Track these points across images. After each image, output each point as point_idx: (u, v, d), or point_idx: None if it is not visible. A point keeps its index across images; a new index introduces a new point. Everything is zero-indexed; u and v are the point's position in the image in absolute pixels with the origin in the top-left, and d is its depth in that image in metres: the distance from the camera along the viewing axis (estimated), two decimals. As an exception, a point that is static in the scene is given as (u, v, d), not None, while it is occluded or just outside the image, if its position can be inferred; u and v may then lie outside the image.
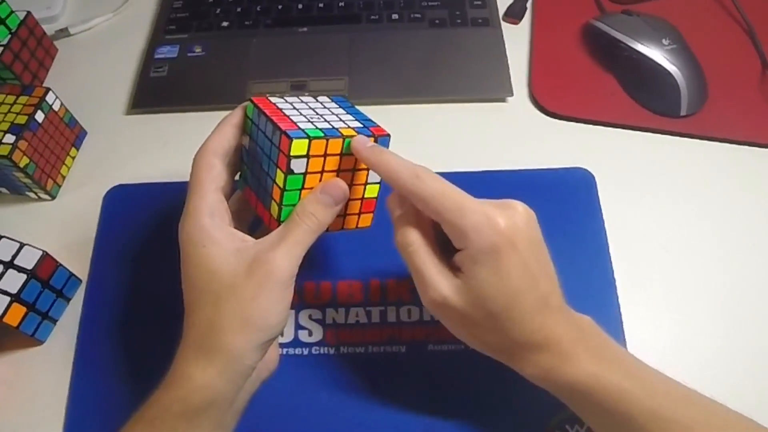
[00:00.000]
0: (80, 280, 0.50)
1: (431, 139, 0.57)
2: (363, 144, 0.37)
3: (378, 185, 0.41)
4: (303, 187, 0.38)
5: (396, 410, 0.44)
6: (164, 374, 0.36)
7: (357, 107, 0.42)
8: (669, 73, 0.55)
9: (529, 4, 0.66)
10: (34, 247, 0.46)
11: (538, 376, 0.37)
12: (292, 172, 0.36)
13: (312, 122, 0.38)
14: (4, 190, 0.56)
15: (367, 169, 0.40)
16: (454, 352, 0.45)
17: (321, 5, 0.66)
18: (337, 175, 0.39)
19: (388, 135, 0.39)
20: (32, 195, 0.55)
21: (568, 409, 0.38)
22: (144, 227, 0.52)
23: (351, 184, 0.39)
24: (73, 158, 0.58)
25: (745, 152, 0.54)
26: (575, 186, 0.53)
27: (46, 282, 0.47)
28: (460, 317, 0.37)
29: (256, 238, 0.38)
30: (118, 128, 0.60)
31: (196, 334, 0.36)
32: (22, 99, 0.53)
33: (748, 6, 0.62)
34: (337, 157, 0.38)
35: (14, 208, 0.55)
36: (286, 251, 0.36)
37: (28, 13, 0.62)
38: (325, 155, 0.37)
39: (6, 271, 0.45)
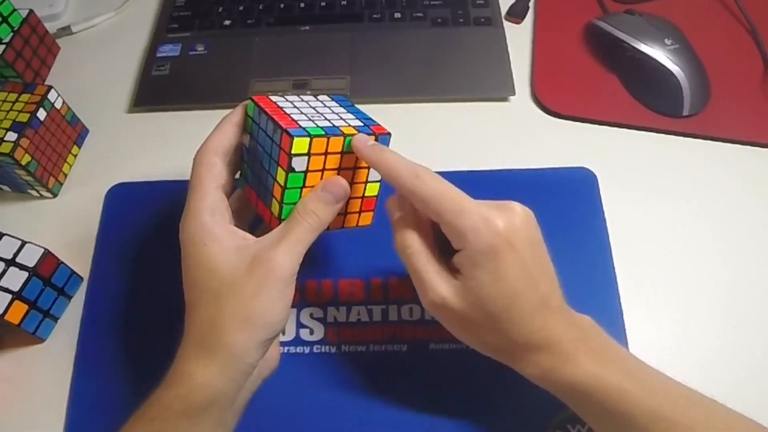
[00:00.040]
0: (81, 278, 0.50)
1: (433, 139, 0.57)
2: (363, 142, 0.37)
3: (378, 184, 0.41)
4: (304, 186, 0.38)
5: (397, 409, 0.44)
6: (165, 372, 0.36)
7: (357, 106, 0.42)
8: (671, 73, 0.55)
9: (531, 4, 0.66)
10: (36, 244, 0.46)
11: (539, 377, 0.37)
12: (293, 170, 0.36)
13: (313, 120, 0.38)
14: (5, 187, 0.56)
15: (368, 168, 0.40)
16: (456, 351, 0.45)
17: (323, 4, 0.66)
18: (338, 174, 0.39)
19: (389, 134, 0.39)
20: (34, 193, 0.55)
21: (569, 409, 0.38)
22: (145, 225, 0.52)
23: (352, 183, 0.39)
24: (75, 156, 0.58)
25: (748, 152, 0.54)
26: (577, 186, 0.53)
27: (48, 280, 0.47)
28: (459, 319, 0.37)
29: (257, 236, 0.38)
30: (119, 126, 0.60)
31: (197, 332, 0.36)
32: (24, 97, 0.53)
33: (751, 6, 0.62)
34: (338, 156, 0.38)
35: (16, 206, 0.55)
36: (287, 249, 0.36)
37: (31, 11, 0.62)
38: (326, 153, 0.37)
39: (8, 268, 0.45)
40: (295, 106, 0.40)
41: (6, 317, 0.44)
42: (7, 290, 0.44)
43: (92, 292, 0.50)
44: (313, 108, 0.40)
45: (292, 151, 0.36)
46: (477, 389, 0.44)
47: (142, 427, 0.35)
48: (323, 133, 0.37)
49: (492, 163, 0.54)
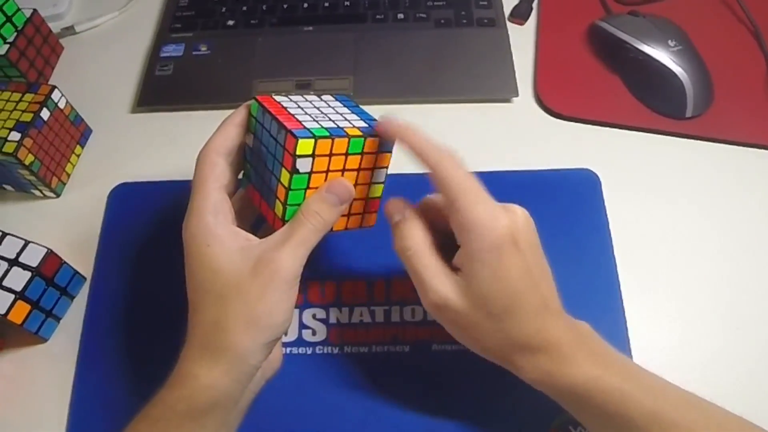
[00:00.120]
0: (84, 278, 0.50)
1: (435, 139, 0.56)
2: (392, 121, 0.38)
3: (382, 185, 0.41)
4: (308, 187, 0.38)
5: (399, 410, 0.44)
6: (168, 373, 0.36)
7: (361, 107, 0.42)
8: (675, 75, 0.55)
9: (534, 5, 0.66)
10: (39, 244, 0.46)
11: (538, 380, 0.37)
12: (297, 171, 0.36)
13: (317, 121, 0.38)
14: (9, 187, 0.56)
15: (372, 169, 0.40)
16: (458, 352, 0.45)
17: (326, 4, 0.66)
18: (342, 175, 0.39)
19: (393, 135, 0.39)
20: (37, 192, 0.55)
21: (571, 411, 0.38)
22: (148, 225, 0.52)
23: (356, 184, 0.39)
24: (78, 156, 0.58)
25: (751, 154, 0.54)
26: (580, 187, 0.53)
27: (51, 280, 0.47)
28: (460, 319, 0.37)
29: (259, 236, 0.38)
30: (123, 126, 0.60)
31: (201, 333, 0.36)
32: (28, 96, 0.53)
33: (755, 8, 0.61)
34: (342, 157, 0.38)
35: (19, 206, 0.56)
36: (291, 251, 0.36)
37: (35, 10, 0.62)
38: (330, 155, 0.37)
39: (11, 268, 0.45)
40: (298, 106, 0.40)
41: (9, 317, 0.44)
42: (9, 290, 0.44)
43: (95, 292, 0.50)
44: (317, 108, 0.40)
45: (297, 153, 0.36)
46: (479, 390, 0.44)
47: (145, 427, 0.35)
48: (328, 134, 0.37)
49: (495, 164, 0.54)
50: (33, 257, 0.45)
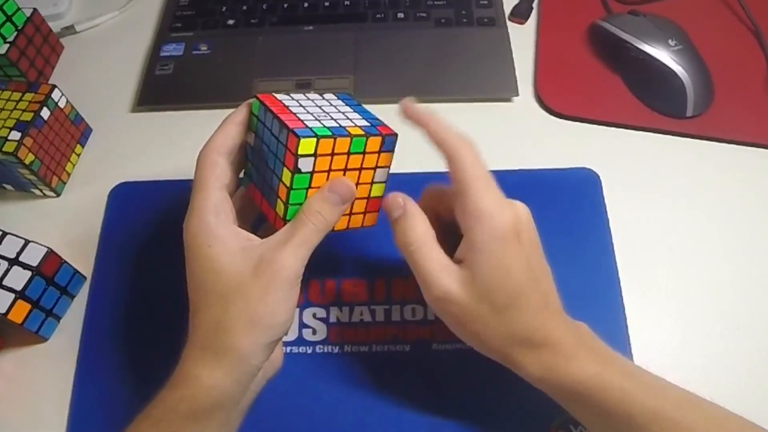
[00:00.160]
0: (84, 278, 0.50)
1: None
2: (415, 105, 0.39)
3: (384, 184, 0.41)
4: (310, 186, 0.37)
5: (399, 409, 0.44)
6: (169, 372, 0.36)
7: (363, 105, 0.42)
8: (675, 74, 0.55)
9: (535, 4, 0.66)
10: (39, 244, 0.46)
11: (538, 376, 0.37)
12: (299, 170, 0.36)
13: (319, 120, 0.38)
14: (9, 186, 0.56)
15: (374, 168, 0.40)
16: (459, 352, 0.45)
17: (327, 4, 0.66)
18: (344, 174, 0.39)
19: (396, 134, 0.39)
20: (37, 192, 0.55)
21: (572, 410, 0.38)
22: (149, 225, 0.52)
23: (357, 183, 0.39)
24: (79, 155, 0.58)
25: (751, 153, 0.54)
26: (580, 186, 0.53)
27: (51, 279, 0.47)
28: (463, 312, 0.36)
29: (260, 236, 0.38)
30: (123, 126, 0.60)
31: (203, 334, 0.36)
32: (28, 96, 0.53)
33: (755, 7, 0.62)
34: (345, 156, 0.38)
35: (19, 205, 0.55)
36: (293, 250, 0.36)
37: (35, 10, 0.62)
38: (332, 154, 0.37)
39: (11, 267, 0.45)
40: (300, 105, 0.39)
41: (9, 316, 0.44)
42: (10, 289, 0.44)
43: (95, 292, 0.50)
44: (319, 107, 0.40)
45: (299, 152, 0.35)
46: (480, 389, 0.44)
47: (147, 428, 0.35)
48: (330, 133, 0.36)
49: (495, 163, 0.53)
50: (33, 256, 0.45)
